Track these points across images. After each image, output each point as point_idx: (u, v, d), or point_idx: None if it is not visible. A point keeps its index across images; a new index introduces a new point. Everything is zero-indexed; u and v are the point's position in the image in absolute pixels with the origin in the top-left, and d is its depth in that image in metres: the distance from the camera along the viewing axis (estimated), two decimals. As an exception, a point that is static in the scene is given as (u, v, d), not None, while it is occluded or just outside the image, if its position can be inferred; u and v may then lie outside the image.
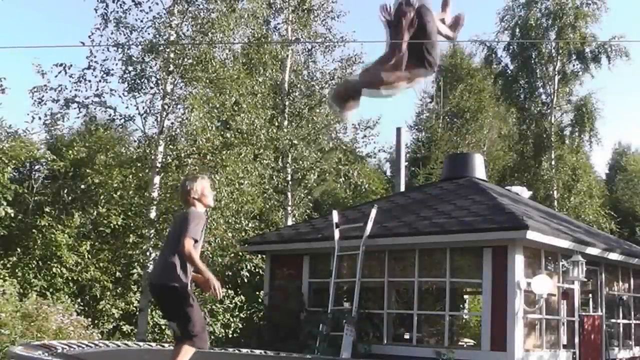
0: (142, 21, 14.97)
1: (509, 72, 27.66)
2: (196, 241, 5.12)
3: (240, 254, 15.63)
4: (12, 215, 14.35)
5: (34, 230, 15.07)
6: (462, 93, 28.77)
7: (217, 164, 14.42)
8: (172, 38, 15.08)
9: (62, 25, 45.15)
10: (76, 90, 14.68)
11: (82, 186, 15.92)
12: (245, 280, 16.18)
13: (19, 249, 15.00)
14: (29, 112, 14.97)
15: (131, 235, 15.25)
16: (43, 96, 14.58)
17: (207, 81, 14.73)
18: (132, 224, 15.62)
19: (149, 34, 15.07)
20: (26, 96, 14.80)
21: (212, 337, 14.68)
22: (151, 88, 14.95)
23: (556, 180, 25.02)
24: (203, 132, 14.34)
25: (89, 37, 14.70)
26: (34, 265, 14.61)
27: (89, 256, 15.30)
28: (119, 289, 15.57)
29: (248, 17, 16.16)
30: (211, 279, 5.11)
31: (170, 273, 5.08)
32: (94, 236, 15.75)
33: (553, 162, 25.49)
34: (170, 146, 15.10)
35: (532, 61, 26.73)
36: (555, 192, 24.97)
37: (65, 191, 16.06)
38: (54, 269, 14.59)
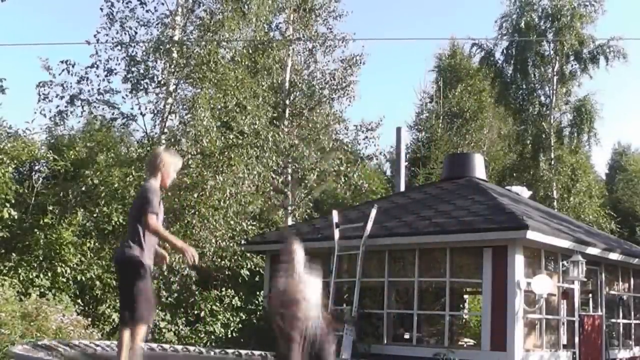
0: (148, 21, 14.98)
1: (506, 74, 27.72)
2: (157, 214, 5.22)
3: (240, 253, 15.62)
4: (15, 217, 14.37)
5: (36, 230, 15.06)
6: (462, 93, 28.78)
7: (222, 164, 14.41)
8: (176, 38, 15.08)
9: (69, 26, 45.19)
10: (80, 89, 14.71)
11: (83, 187, 15.90)
12: (246, 278, 16.18)
13: (19, 248, 14.98)
14: (35, 108, 15.00)
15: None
16: (49, 92, 14.64)
17: (213, 82, 14.73)
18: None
19: (157, 29, 15.04)
20: (27, 97, 14.82)
21: (212, 336, 14.66)
22: (154, 88, 14.96)
23: (555, 181, 25.02)
24: (207, 132, 14.34)
25: (95, 36, 14.73)
26: (36, 265, 14.60)
27: (91, 254, 15.30)
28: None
29: (257, 20, 16.15)
30: (183, 247, 5.27)
31: (128, 247, 5.22)
32: (96, 234, 15.74)
33: (552, 163, 25.49)
34: (173, 147, 15.09)
35: (530, 63, 26.77)
36: (554, 193, 24.97)
37: (67, 191, 16.03)
38: (58, 269, 14.59)
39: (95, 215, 15.56)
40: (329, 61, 20.52)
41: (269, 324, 6.16)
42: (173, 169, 5.45)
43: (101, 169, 15.96)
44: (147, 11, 14.96)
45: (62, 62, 14.54)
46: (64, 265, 14.69)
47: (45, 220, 14.99)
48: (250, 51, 17.63)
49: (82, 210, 15.39)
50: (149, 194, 5.22)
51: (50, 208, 15.27)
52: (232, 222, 15.02)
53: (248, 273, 16.21)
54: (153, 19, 14.97)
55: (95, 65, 14.67)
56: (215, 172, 14.31)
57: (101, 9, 14.75)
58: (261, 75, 18.09)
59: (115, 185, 15.52)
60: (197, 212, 14.05)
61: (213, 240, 14.49)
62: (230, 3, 15.23)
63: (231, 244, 15.02)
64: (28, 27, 41.39)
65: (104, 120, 15.77)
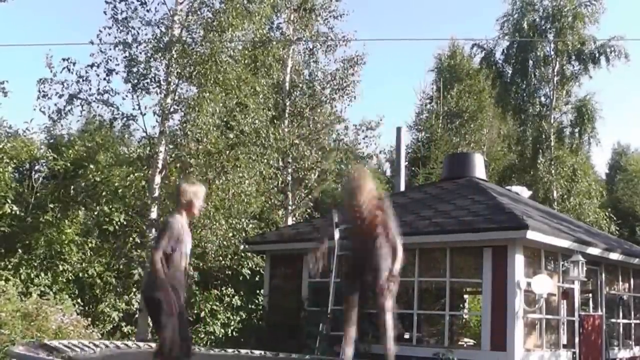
0: (150, 21, 14.95)
1: (507, 75, 27.70)
2: (174, 250, 5.31)
3: (242, 253, 15.63)
4: (17, 212, 14.40)
5: (37, 228, 15.08)
6: (462, 93, 28.81)
7: (225, 164, 14.41)
8: (178, 36, 15.05)
9: (68, 26, 45.19)
10: (80, 85, 14.68)
11: (83, 184, 15.91)
12: (248, 277, 16.20)
13: (20, 247, 15.00)
14: (34, 105, 14.95)
15: (133, 235, 15.24)
16: (49, 90, 14.61)
17: (214, 81, 14.71)
18: (133, 224, 15.61)
19: (159, 29, 15.01)
20: (27, 97, 14.80)
21: (212, 336, 14.68)
22: (155, 88, 14.94)
23: (555, 182, 24.99)
24: (208, 132, 14.33)
25: (97, 36, 14.72)
26: (36, 264, 14.62)
27: (91, 253, 15.32)
28: (120, 287, 15.58)
29: (260, 19, 16.13)
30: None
31: (149, 283, 5.40)
32: (97, 234, 15.75)
33: (552, 163, 25.48)
34: (171, 146, 15.09)
35: (530, 63, 26.76)
36: (555, 193, 24.95)
37: (67, 190, 16.04)
38: (60, 267, 14.61)
39: (96, 213, 15.58)
40: (330, 61, 20.56)
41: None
42: (198, 198, 5.60)
43: (102, 168, 15.98)
44: (147, 11, 14.94)
45: (63, 59, 14.55)
46: (64, 264, 14.72)
47: (46, 217, 15.01)
48: (251, 49, 17.62)
49: (83, 209, 15.41)
50: (162, 230, 5.44)
51: (51, 206, 15.29)
52: (233, 222, 15.03)
53: (249, 272, 16.22)
54: (155, 19, 14.94)
55: (96, 65, 14.66)
56: (219, 172, 14.30)
57: (105, 12, 14.74)
58: (261, 73, 18.08)
59: (116, 185, 15.53)
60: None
61: (214, 240, 14.48)
62: (234, 2, 15.19)
63: (233, 242, 15.01)
64: (28, 26, 41.39)
65: (102, 121, 15.75)
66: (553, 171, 25.35)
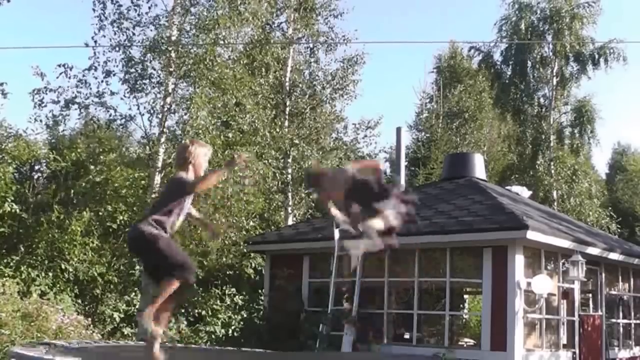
0: (140, 21, 14.96)
1: (505, 76, 27.69)
2: (173, 214, 5.15)
3: (244, 252, 15.64)
4: (17, 211, 14.39)
5: (38, 228, 15.09)
6: (462, 93, 28.79)
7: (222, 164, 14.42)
8: (173, 38, 15.07)
9: (66, 26, 45.21)
10: (78, 92, 14.70)
11: (84, 184, 15.92)
12: (252, 276, 16.21)
13: (22, 248, 15.02)
14: (31, 115, 15.02)
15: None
16: (43, 98, 14.61)
17: (211, 81, 14.72)
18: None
19: (151, 30, 15.04)
20: (27, 97, 14.78)
21: (213, 336, 14.68)
22: (152, 88, 14.95)
23: (555, 182, 24.96)
24: (205, 131, 14.35)
25: (92, 38, 14.72)
26: (37, 264, 14.62)
27: (92, 253, 15.33)
28: (121, 287, 15.60)
29: (253, 19, 16.14)
30: (228, 163, 5.51)
31: (151, 224, 5.10)
32: (99, 235, 15.76)
33: (552, 164, 25.45)
34: (172, 146, 15.10)
35: (529, 65, 26.74)
36: (554, 194, 24.93)
37: (68, 191, 16.05)
38: (62, 265, 14.62)
39: (100, 213, 15.59)
40: (330, 60, 20.58)
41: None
42: (204, 158, 5.33)
43: (104, 168, 15.99)
44: (138, 14, 14.94)
45: (59, 65, 14.52)
46: (66, 264, 14.72)
47: (48, 217, 15.02)
48: (248, 49, 17.63)
49: (87, 209, 15.42)
50: (181, 179, 5.23)
51: (56, 207, 15.29)
52: (233, 220, 15.03)
53: (252, 271, 16.23)
54: (147, 20, 14.95)
55: (94, 68, 14.67)
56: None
57: (93, 10, 14.71)
58: (259, 73, 18.09)
59: (116, 185, 15.55)
60: (198, 211, 14.02)
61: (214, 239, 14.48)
62: (225, 2, 15.22)
63: (235, 242, 15.01)
64: (27, 26, 41.36)
65: (99, 122, 15.76)
66: (553, 172, 25.33)
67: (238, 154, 5.17)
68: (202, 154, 5.29)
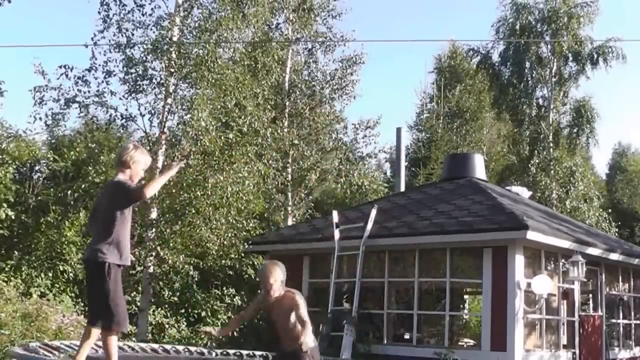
0: (143, 23, 14.98)
1: (504, 77, 27.66)
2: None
3: (243, 253, 15.64)
4: (13, 217, 14.37)
5: (38, 229, 15.11)
6: (462, 93, 28.79)
7: (223, 162, 14.42)
8: (175, 38, 15.07)
9: (66, 26, 45.21)
10: (78, 90, 14.70)
11: (83, 185, 15.92)
12: (252, 277, 16.21)
13: (21, 248, 15.02)
14: (31, 112, 15.00)
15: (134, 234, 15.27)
16: (44, 96, 14.61)
17: (211, 82, 14.73)
18: (133, 224, 15.62)
19: (153, 32, 15.05)
20: (27, 97, 14.82)
21: (212, 336, 14.67)
22: (153, 89, 14.96)
23: (551, 183, 24.90)
24: (206, 132, 14.35)
25: (92, 39, 14.74)
26: (37, 265, 14.63)
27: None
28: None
29: (257, 21, 16.14)
30: (170, 167, 5.25)
31: (99, 248, 4.82)
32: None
33: (549, 164, 25.42)
34: (172, 146, 15.11)
35: (527, 65, 26.70)
36: (553, 194, 24.89)
37: (68, 191, 16.06)
38: (60, 267, 14.62)
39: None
40: (329, 60, 20.59)
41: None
42: (142, 167, 5.09)
43: (103, 169, 15.99)
44: (142, 15, 14.96)
45: (60, 66, 14.54)
46: (65, 265, 14.73)
47: (47, 218, 15.03)
48: (250, 50, 17.64)
49: (84, 210, 15.42)
50: (123, 184, 4.90)
51: (53, 207, 15.31)
52: (233, 221, 15.03)
53: (253, 272, 16.23)
54: (150, 21, 14.98)
55: (94, 68, 14.68)
56: (216, 171, 14.31)
57: (99, 12, 14.76)
58: (261, 74, 18.10)
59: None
60: (197, 211, 14.05)
61: (215, 239, 14.49)
62: (228, 3, 15.24)
63: (234, 243, 15.02)
64: (27, 26, 41.38)
65: (99, 123, 15.76)
66: (551, 172, 25.27)
67: (176, 161, 5.09)
68: (142, 161, 5.07)
